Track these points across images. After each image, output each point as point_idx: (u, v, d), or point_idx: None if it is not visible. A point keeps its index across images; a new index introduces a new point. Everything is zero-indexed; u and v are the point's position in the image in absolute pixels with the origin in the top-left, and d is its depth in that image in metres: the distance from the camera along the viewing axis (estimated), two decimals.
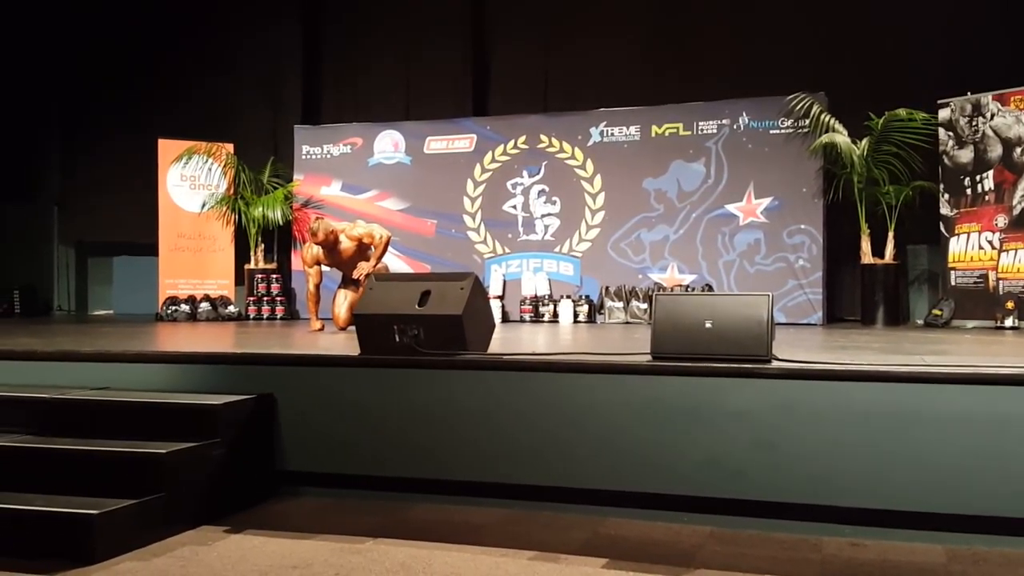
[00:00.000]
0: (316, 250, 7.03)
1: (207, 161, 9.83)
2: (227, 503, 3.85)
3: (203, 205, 9.85)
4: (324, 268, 7.19)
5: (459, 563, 3.21)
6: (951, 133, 8.02)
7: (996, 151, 7.74)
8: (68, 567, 3.11)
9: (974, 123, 7.85)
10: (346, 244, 6.99)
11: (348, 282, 7.12)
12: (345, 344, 5.53)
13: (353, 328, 6.89)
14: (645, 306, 8.72)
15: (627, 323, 8.69)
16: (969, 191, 7.89)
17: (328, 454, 4.18)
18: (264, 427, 4.15)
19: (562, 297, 9.08)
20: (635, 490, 3.74)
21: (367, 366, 4.19)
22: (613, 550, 3.35)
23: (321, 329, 7.07)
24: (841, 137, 8.13)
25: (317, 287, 7.16)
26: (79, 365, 4.47)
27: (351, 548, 3.37)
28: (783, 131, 8.62)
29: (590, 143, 9.27)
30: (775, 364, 3.66)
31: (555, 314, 9.05)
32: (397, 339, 4.17)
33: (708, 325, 3.75)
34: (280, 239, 10.18)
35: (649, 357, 3.90)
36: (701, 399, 3.66)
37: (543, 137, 9.41)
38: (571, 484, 3.84)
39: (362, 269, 6.86)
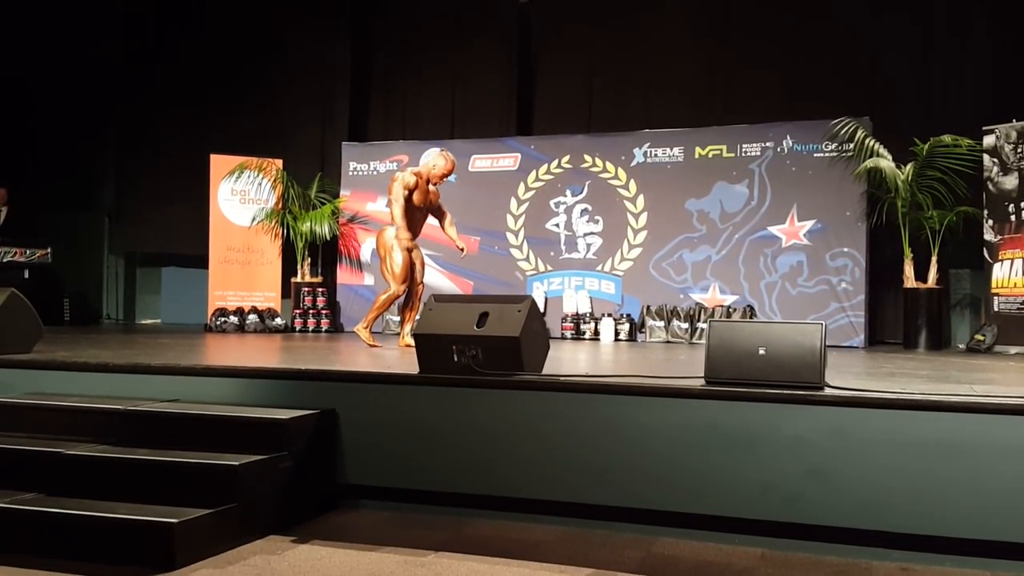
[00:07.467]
0: (412, 178, 6.80)
1: (257, 176, 10.08)
2: (293, 514, 4.01)
3: (253, 219, 10.08)
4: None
5: None
6: (995, 159, 8.04)
7: None
8: (150, 573, 3.27)
9: (1019, 150, 7.87)
10: (434, 201, 7.11)
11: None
12: (397, 361, 5.67)
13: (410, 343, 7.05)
14: (686, 325, 8.82)
15: (668, 342, 8.78)
16: (1013, 217, 7.90)
17: (387, 469, 4.32)
18: (326, 441, 4.30)
19: (603, 315, 9.18)
20: (688, 511, 3.84)
21: (426, 384, 4.33)
22: (668, 570, 3.46)
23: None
24: (885, 162, 8.18)
25: (410, 252, 6.84)
26: (150, 378, 4.66)
27: (416, 561, 3.50)
28: (827, 154, 8.68)
29: (633, 163, 9.39)
30: (828, 391, 3.75)
31: (596, 332, 9.15)
32: (456, 359, 4.31)
33: (761, 352, 3.85)
34: (326, 253, 10.40)
35: (702, 381, 4.00)
36: (755, 424, 3.75)
37: (587, 157, 9.54)
38: (625, 504, 3.94)
39: (458, 239, 7.14)
